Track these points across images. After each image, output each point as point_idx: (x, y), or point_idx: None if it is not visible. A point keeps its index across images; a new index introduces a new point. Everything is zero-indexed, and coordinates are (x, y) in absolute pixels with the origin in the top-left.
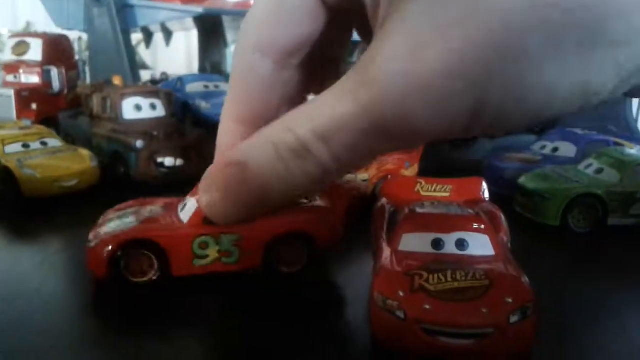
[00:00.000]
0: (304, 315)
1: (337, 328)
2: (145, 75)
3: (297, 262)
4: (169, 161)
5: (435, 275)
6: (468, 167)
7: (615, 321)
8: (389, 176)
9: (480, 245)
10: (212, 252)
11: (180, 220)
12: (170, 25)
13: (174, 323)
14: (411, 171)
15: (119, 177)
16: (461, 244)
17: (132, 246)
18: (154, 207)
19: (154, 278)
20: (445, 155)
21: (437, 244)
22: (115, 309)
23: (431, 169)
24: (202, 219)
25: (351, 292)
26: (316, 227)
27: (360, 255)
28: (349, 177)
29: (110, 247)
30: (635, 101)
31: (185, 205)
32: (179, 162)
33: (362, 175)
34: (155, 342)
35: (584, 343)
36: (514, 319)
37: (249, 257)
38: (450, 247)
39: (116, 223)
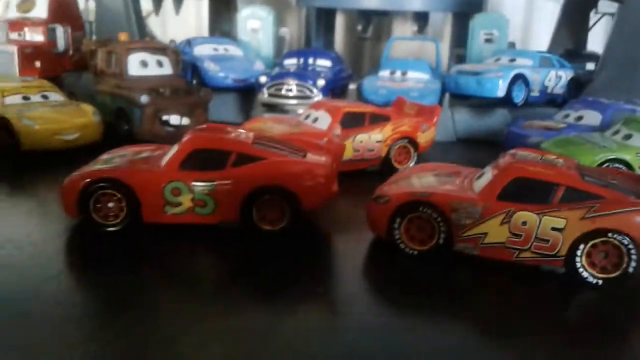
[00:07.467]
0: (273, 278)
1: (298, 299)
2: None
3: (279, 220)
4: (174, 119)
5: None
6: (487, 136)
7: None
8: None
9: None
10: (186, 200)
11: (159, 165)
12: None
13: (144, 269)
14: (428, 134)
15: (122, 134)
16: None
17: (101, 186)
18: (147, 152)
19: (122, 223)
20: (462, 123)
21: None
22: (91, 253)
23: (448, 136)
24: (179, 164)
25: (330, 261)
26: (299, 183)
27: (357, 219)
28: (362, 137)
29: (77, 185)
30: None
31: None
32: (185, 120)
33: (376, 136)
34: (125, 284)
35: None
36: None
37: (224, 209)
38: None
39: (100, 164)
